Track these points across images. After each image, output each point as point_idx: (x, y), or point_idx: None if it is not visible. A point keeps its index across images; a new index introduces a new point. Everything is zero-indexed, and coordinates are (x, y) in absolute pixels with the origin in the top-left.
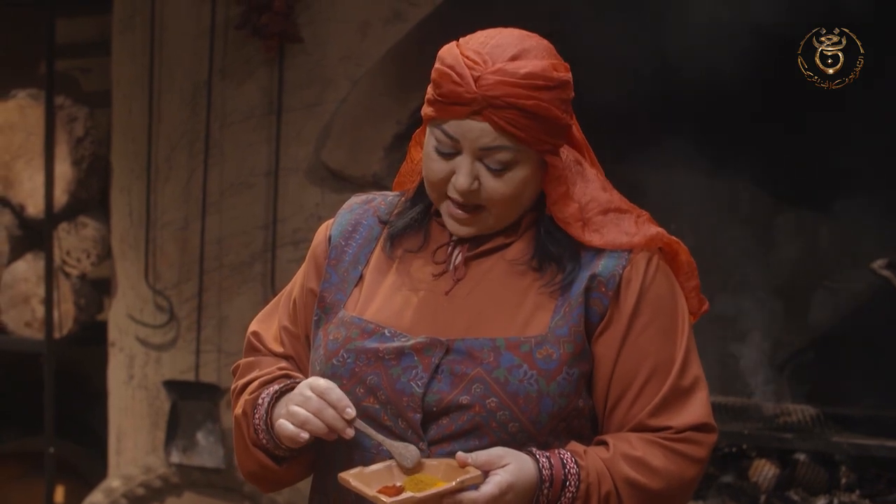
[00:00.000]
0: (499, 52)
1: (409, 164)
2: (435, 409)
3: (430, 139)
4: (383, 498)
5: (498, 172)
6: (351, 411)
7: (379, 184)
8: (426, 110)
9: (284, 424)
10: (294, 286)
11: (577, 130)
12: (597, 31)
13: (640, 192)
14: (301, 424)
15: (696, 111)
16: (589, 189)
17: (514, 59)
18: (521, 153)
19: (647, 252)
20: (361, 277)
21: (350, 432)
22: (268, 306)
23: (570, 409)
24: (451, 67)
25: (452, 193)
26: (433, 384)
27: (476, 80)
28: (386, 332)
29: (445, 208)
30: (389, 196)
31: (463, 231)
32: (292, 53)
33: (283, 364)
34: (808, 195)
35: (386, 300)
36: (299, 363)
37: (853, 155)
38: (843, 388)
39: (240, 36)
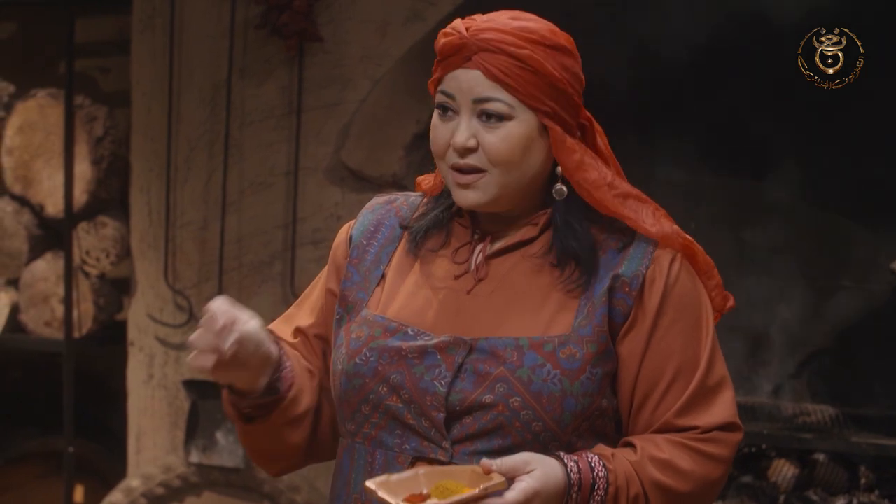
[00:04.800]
0: (496, 15)
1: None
2: (458, 408)
3: (434, 112)
4: None
5: (493, 127)
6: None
7: (398, 183)
8: (430, 84)
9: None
10: (313, 290)
11: (603, 143)
12: (608, 31)
13: (655, 191)
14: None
15: (704, 110)
16: (610, 174)
17: (510, 18)
18: (517, 109)
19: (671, 251)
20: (383, 277)
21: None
22: (287, 311)
23: (594, 409)
24: (450, 26)
25: (453, 158)
26: (456, 383)
27: (468, 28)
28: (409, 330)
29: (450, 178)
30: (412, 196)
31: (470, 198)
32: (312, 53)
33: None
34: (828, 195)
35: (408, 299)
36: (307, 356)
37: (873, 155)
38: (863, 388)
39: (259, 35)
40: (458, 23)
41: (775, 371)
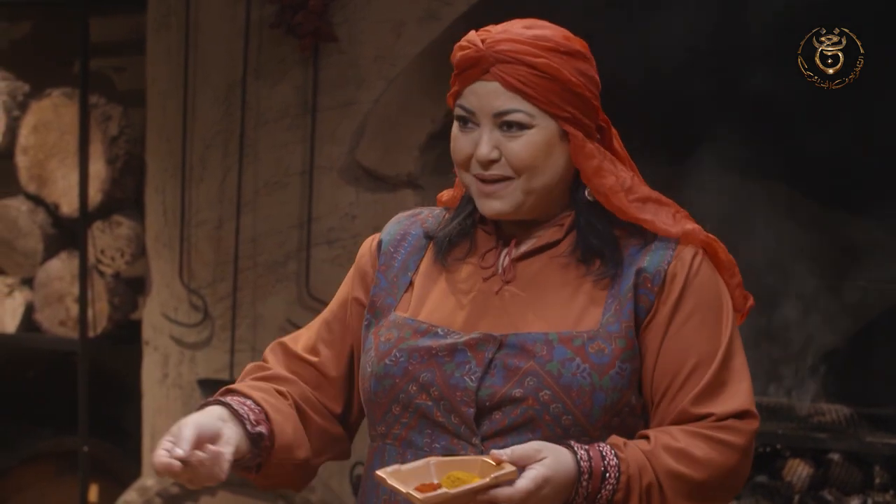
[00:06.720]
0: (510, 25)
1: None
2: (488, 403)
3: (454, 124)
4: (416, 495)
5: (515, 136)
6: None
7: (413, 183)
8: (449, 97)
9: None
10: (333, 304)
11: (618, 144)
12: (614, 33)
13: (672, 192)
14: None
15: (708, 111)
16: (629, 178)
17: (525, 28)
18: (537, 117)
19: (693, 248)
20: (411, 283)
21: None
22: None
23: (623, 405)
24: (466, 39)
25: (476, 169)
26: (486, 378)
27: (484, 41)
28: (439, 331)
29: (475, 188)
30: (436, 210)
31: (494, 207)
32: (327, 52)
33: (261, 383)
34: (841, 194)
35: (438, 303)
36: (323, 370)
37: (883, 153)
38: (878, 387)
39: (274, 35)
40: (473, 35)
41: (790, 371)
